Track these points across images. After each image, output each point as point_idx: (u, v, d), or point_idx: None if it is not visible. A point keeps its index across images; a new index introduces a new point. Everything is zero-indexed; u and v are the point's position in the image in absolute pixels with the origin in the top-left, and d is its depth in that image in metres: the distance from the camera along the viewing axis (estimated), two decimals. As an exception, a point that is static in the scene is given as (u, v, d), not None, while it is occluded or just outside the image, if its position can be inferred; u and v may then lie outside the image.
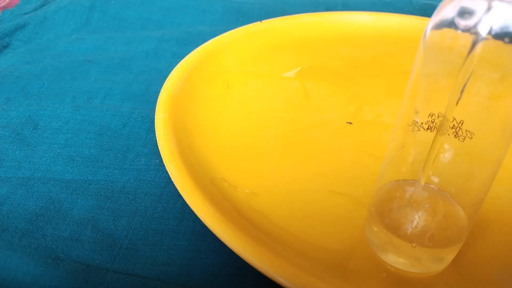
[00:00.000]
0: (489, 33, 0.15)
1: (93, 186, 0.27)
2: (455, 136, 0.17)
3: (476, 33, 0.15)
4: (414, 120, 0.18)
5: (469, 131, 0.17)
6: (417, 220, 0.19)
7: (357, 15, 0.44)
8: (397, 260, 0.20)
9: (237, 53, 0.39)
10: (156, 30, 0.47)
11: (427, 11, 0.52)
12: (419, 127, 0.18)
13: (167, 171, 0.26)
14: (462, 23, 0.15)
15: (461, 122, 0.17)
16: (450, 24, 0.15)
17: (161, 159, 0.26)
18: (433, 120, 0.17)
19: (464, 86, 0.16)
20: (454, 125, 0.17)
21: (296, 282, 0.18)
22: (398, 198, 0.19)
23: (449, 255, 0.20)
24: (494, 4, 0.15)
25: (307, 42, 0.42)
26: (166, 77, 0.33)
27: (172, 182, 0.26)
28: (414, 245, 0.18)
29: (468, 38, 0.15)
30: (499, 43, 0.15)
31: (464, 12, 0.15)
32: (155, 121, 0.28)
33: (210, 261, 0.23)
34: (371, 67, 0.39)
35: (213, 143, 0.29)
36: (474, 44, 0.15)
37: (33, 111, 0.33)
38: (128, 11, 0.49)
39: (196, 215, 0.22)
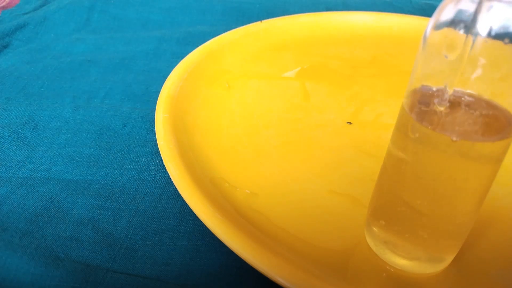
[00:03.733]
0: (489, 33, 0.15)
1: (93, 186, 0.27)
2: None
3: (476, 34, 0.15)
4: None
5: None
6: (459, 114, 0.17)
7: (357, 15, 0.44)
8: (397, 260, 0.20)
9: (237, 53, 0.39)
10: (156, 30, 0.47)
11: (427, 11, 0.52)
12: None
13: (167, 171, 0.26)
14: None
15: (461, 122, 0.17)
16: (450, 24, 0.15)
17: (161, 159, 0.26)
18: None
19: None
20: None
21: (296, 282, 0.18)
22: (436, 97, 0.17)
23: (449, 255, 0.20)
24: (494, 4, 0.15)
25: (307, 42, 0.42)
26: (166, 77, 0.33)
27: (172, 182, 0.26)
28: (455, 138, 0.17)
29: (468, 39, 0.15)
30: (499, 43, 0.15)
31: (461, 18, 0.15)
32: (155, 121, 0.28)
33: (210, 261, 0.23)
34: (371, 67, 0.39)
35: (213, 143, 0.29)
36: (474, 45, 0.15)
37: (33, 111, 0.33)
38: (128, 11, 0.49)
39: (196, 215, 0.22)
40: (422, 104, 0.17)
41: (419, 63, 0.17)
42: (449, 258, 0.20)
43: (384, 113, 0.33)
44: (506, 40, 0.15)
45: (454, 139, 0.17)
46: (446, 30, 0.16)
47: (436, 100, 0.17)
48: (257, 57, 0.39)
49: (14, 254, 0.22)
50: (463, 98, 0.16)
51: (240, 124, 0.31)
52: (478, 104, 0.16)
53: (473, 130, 0.17)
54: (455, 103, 0.16)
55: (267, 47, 0.40)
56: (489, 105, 0.16)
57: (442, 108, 0.17)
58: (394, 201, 0.19)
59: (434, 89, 0.17)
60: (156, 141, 0.29)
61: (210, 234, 0.24)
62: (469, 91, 0.16)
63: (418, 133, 0.17)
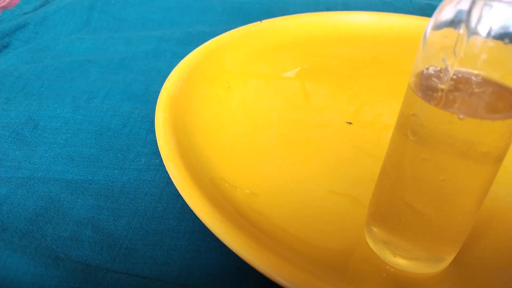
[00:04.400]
0: (489, 33, 0.15)
1: (93, 186, 0.27)
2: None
3: (476, 34, 0.15)
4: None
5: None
6: (465, 93, 0.16)
7: (357, 15, 0.44)
8: (397, 260, 0.20)
9: (237, 53, 0.39)
10: (156, 30, 0.47)
11: (427, 11, 0.52)
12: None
13: (167, 171, 0.26)
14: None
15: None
16: (450, 24, 0.15)
17: (161, 159, 0.26)
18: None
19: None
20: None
21: (296, 282, 0.18)
22: (443, 78, 0.17)
23: (449, 255, 0.20)
24: (494, 4, 0.15)
25: (307, 42, 0.42)
26: (166, 77, 0.33)
27: (172, 182, 0.26)
28: (462, 117, 0.16)
29: (468, 39, 0.15)
30: (499, 43, 0.15)
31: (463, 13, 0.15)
32: (155, 121, 0.28)
33: (210, 261, 0.23)
34: (371, 67, 0.39)
35: (213, 143, 0.29)
36: (473, 45, 0.15)
37: (33, 111, 0.33)
38: (128, 11, 0.49)
39: (196, 215, 0.22)
40: (428, 84, 0.17)
41: (418, 63, 0.17)
42: (449, 258, 0.20)
43: (384, 113, 0.33)
44: (506, 40, 0.15)
45: (461, 117, 0.16)
46: (446, 30, 0.16)
47: (442, 80, 0.16)
48: (257, 57, 0.39)
49: (14, 254, 0.22)
50: (469, 78, 0.16)
51: (240, 124, 0.31)
52: (484, 83, 0.16)
53: (480, 109, 0.16)
54: (461, 83, 0.16)
55: (267, 47, 0.40)
56: (496, 84, 0.16)
57: (446, 87, 0.16)
58: (394, 201, 0.19)
59: (440, 69, 0.17)
60: (156, 141, 0.29)
61: (210, 234, 0.24)
62: (475, 71, 0.16)
63: (424, 113, 0.17)
